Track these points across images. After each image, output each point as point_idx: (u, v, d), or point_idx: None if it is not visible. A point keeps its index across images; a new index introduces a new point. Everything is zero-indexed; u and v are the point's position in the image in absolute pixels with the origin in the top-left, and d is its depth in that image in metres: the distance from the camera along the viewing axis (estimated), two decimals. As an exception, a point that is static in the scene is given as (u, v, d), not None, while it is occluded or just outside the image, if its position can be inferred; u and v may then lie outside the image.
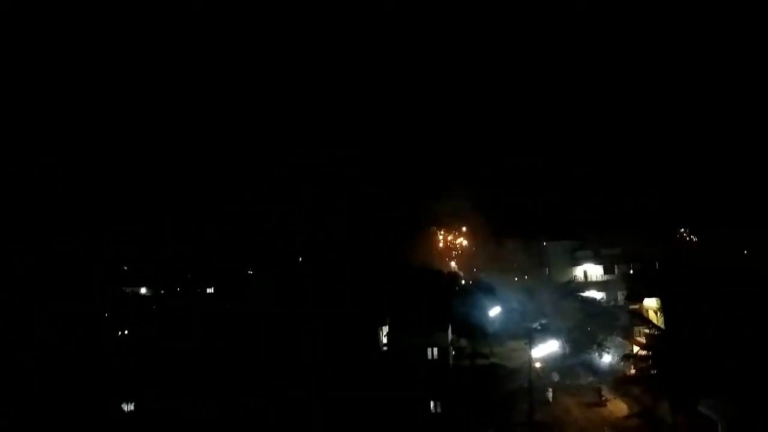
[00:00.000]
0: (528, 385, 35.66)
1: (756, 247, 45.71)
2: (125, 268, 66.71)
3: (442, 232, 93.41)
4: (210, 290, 62.43)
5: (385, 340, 41.68)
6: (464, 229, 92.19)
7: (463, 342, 48.18)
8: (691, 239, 63.34)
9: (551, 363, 44.99)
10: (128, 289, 60.84)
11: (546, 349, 45.68)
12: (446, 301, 46.45)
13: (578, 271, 63.09)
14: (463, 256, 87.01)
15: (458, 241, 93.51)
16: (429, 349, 40.14)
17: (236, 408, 33.08)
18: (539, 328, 46.20)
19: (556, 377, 42.32)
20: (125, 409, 35.36)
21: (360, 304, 41.44)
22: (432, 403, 36.95)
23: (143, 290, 64.81)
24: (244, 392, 33.23)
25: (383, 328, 42.12)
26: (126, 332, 43.31)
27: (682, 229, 62.58)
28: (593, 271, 62.20)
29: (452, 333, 45.22)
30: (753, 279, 32.58)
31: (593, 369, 42.99)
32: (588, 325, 45.84)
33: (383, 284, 48.88)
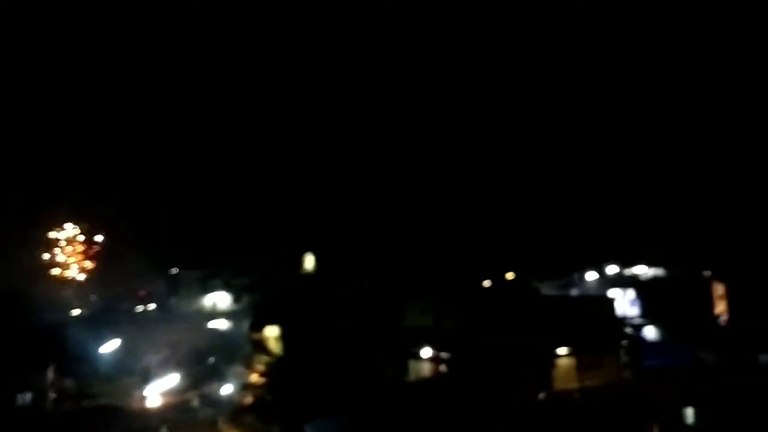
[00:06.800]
0: (138, 425, 32.91)
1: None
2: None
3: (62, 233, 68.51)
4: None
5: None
6: (97, 238, 69.55)
7: (69, 382, 42.27)
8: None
9: (170, 398, 42.86)
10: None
11: (165, 384, 43.35)
12: (49, 335, 40.05)
13: (207, 301, 62.58)
14: (82, 276, 71.78)
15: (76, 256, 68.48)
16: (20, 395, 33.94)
17: None
18: (159, 361, 43.71)
19: (172, 413, 40.30)
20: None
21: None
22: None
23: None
24: None
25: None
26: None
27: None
28: (222, 300, 62.49)
29: (55, 373, 39.35)
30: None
31: (212, 401, 42.38)
32: (211, 356, 45.36)
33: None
